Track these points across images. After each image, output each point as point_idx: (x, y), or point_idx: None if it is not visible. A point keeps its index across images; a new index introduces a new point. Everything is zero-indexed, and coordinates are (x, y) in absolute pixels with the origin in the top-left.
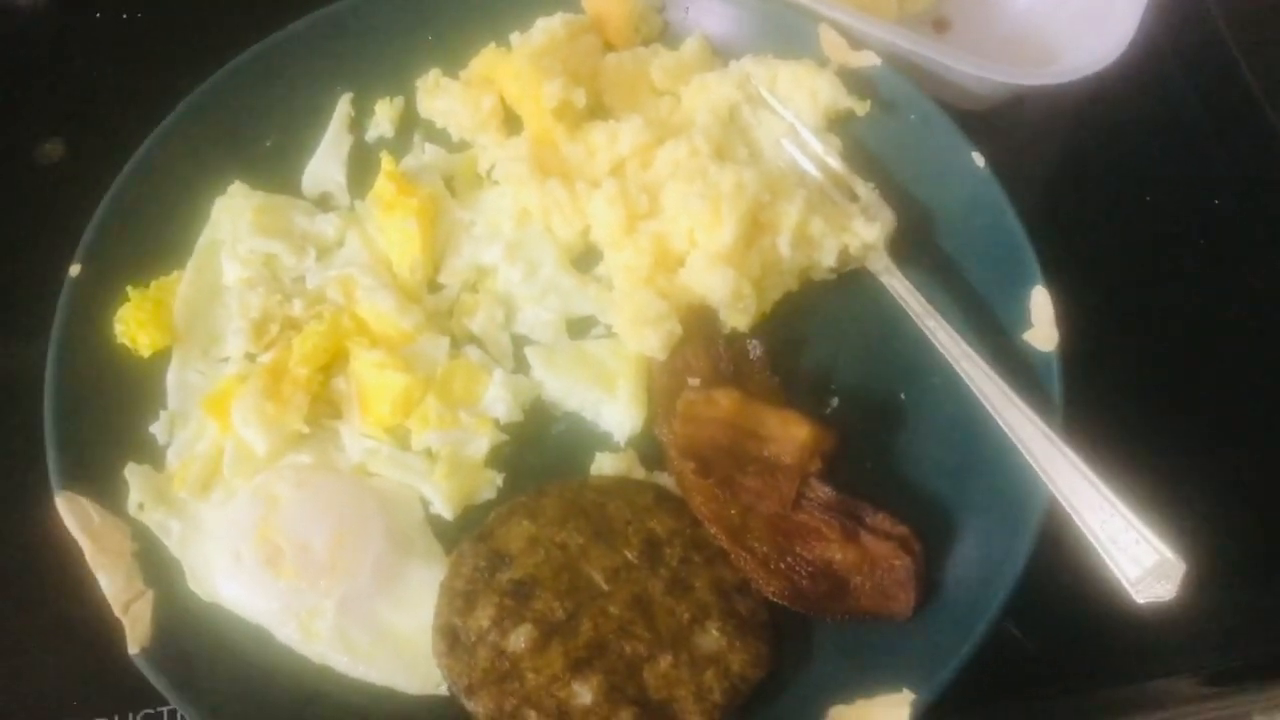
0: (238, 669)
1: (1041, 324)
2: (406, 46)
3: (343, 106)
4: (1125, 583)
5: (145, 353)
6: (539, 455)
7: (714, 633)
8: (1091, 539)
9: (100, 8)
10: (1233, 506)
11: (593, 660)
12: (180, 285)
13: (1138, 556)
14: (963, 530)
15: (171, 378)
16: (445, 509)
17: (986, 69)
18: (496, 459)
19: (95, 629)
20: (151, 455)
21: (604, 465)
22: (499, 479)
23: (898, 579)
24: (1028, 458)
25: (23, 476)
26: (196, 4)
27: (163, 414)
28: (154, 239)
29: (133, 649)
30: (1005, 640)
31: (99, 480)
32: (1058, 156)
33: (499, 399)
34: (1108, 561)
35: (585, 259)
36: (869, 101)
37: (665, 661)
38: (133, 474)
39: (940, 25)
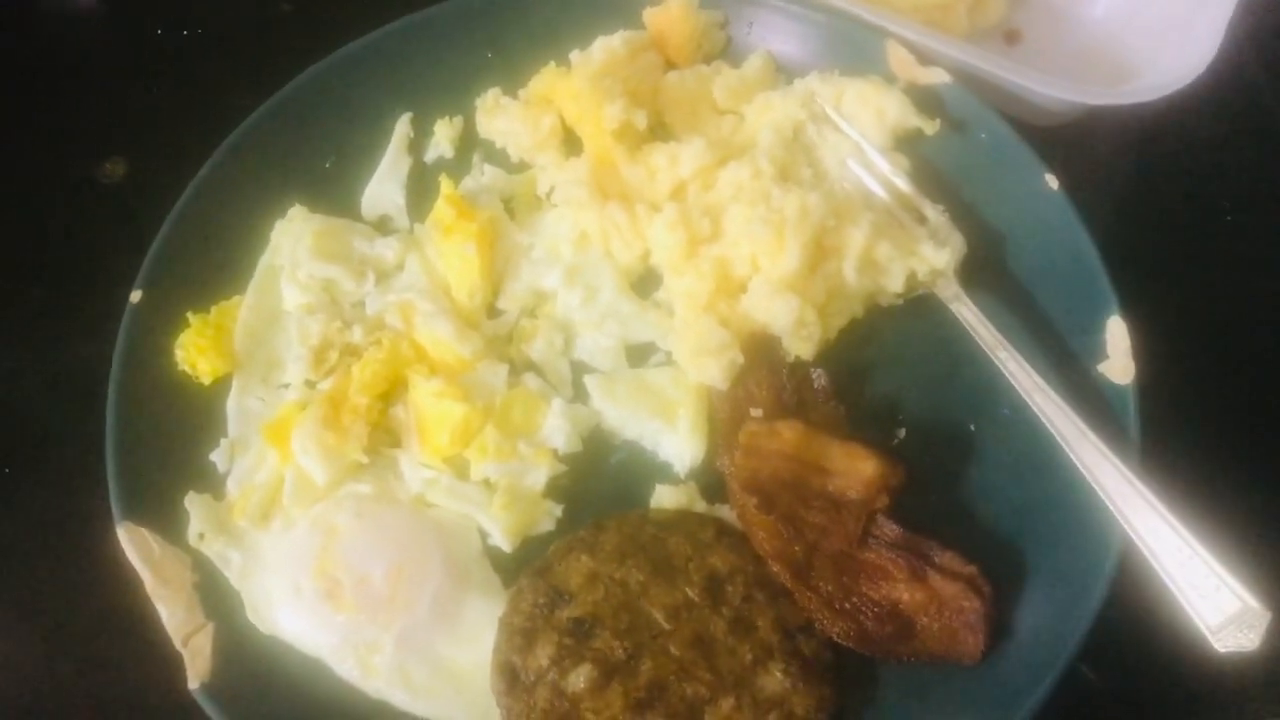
0: (297, 704)
1: (1118, 355)
2: (466, 65)
3: (402, 127)
4: (1205, 630)
5: (206, 380)
6: (598, 486)
7: (777, 674)
8: (1169, 583)
9: (162, 27)
10: None
11: (653, 702)
12: (240, 311)
13: (1219, 603)
14: (1034, 570)
15: (232, 404)
16: (504, 541)
17: (1060, 87)
18: (555, 490)
19: (155, 662)
20: (211, 484)
21: (664, 497)
22: (558, 510)
23: (966, 621)
24: (1102, 496)
25: (84, 505)
26: (256, 24)
27: (223, 441)
28: (214, 263)
29: (193, 684)
30: (1078, 682)
31: (160, 510)
32: (1135, 176)
33: (558, 429)
34: (1186, 607)
35: (645, 284)
36: (938, 120)
37: (727, 704)
38: (193, 503)
39: (1012, 37)
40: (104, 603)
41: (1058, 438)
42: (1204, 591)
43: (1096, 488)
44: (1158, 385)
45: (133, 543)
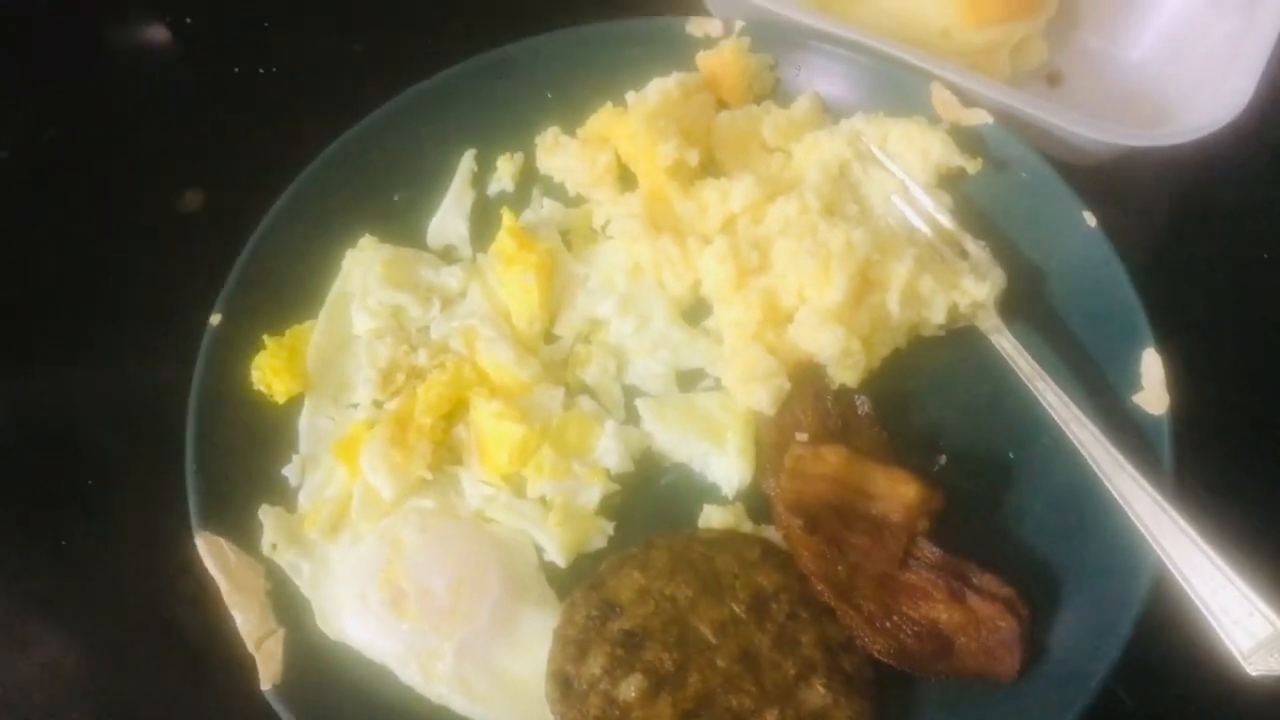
0: (362, 707)
1: (1152, 387)
2: (527, 105)
3: (466, 162)
4: (1237, 654)
5: (280, 399)
6: (648, 505)
7: (819, 689)
8: (1202, 608)
9: (239, 66)
10: None
11: (700, 712)
12: (313, 334)
13: (1251, 628)
14: (1070, 593)
15: (304, 423)
16: (559, 556)
17: (1099, 129)
18: (607, 508)
19: (229, 664)
20: (284, 497)
21: (712, 517)
22: (610, 528)
23: (1003, 640)
24: (1136, 522)
25: (164, 516)
26: (329, 63)
27: (295, 457)
28: (289, 290)
29: (264, 685)
30: (1113, 704)
31: (235, 521)
32: (1172, 214)
33: (611, 450)
34: (1219, 632)
35: (695, 313)
36: (980, 159)
37: (771, 716)
38: (266, 515)
39: (1053, 79)
40: (180, 609)
41: (1094, 466)
42: (1236, 616)
43: (1131, 514)
44: (1191, 416)
45: (210, 551)
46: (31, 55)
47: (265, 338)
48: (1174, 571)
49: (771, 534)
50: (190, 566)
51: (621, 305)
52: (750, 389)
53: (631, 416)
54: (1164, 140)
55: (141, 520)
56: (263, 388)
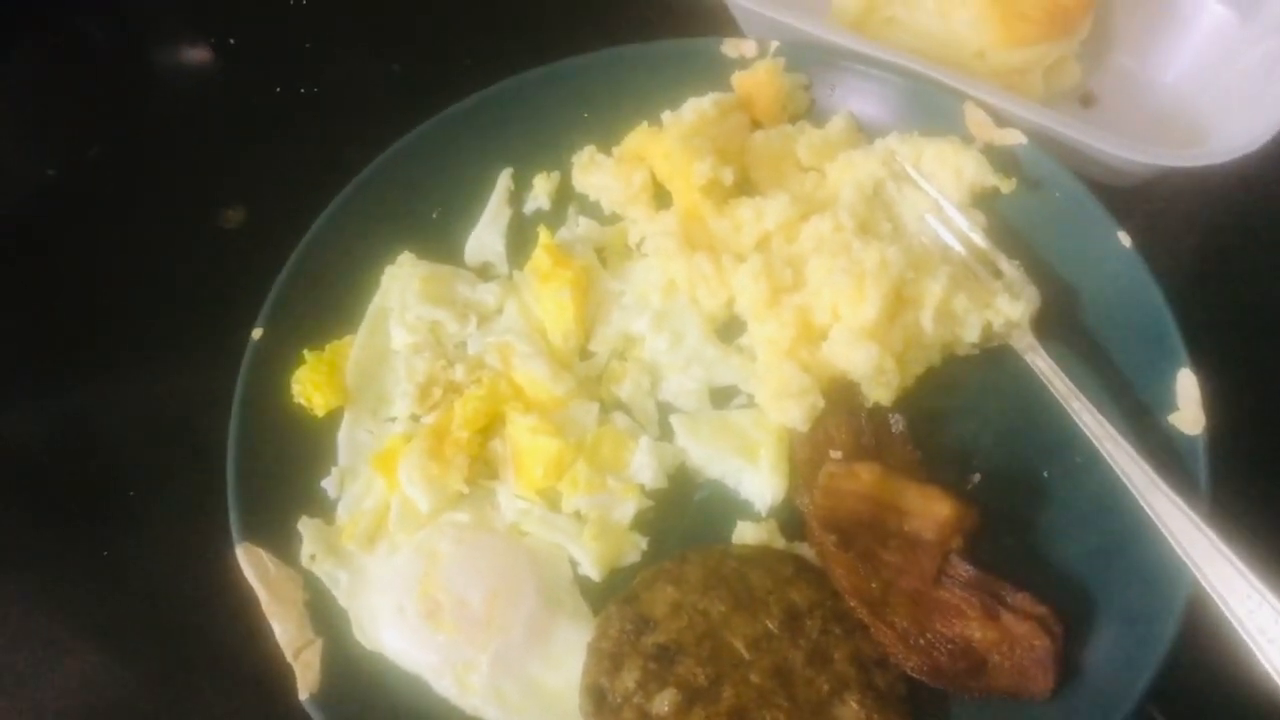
0: (398, 718)
1: (1188, 407)
2: (563, 124)
3: (503, 181)
4: (1275, 675)
5: (319, 412)
6: (682, 521)
7: (853, 705)
8: (1239, 629)
9: (279, 85)
10: None
11: None
12: (352, 349)
13: None
14: (1104, 613)
15: (343, 436)
16: (593, 570)
17: (1133, 149)
18: (641, 523)
19: (268, 674)
20: (323, 509)
21: (745, 533)
22: (643, 543)
23: (1037, 659)
24: (1172, 542)
25: (205, 527)
26: (368, 83)
27: (334, 470)
28: (329, 305)
29: (303, 694)
30: None
31: (275, 532)
32: (1206, 234)
33: (645, 465)
34: (1256, 653)
35: (729, 330)
36: (1014, 179)
37: None
38: (305, 527)
39: (1087, 100)
40: (221, 619)
41: (1129, 485)
42: (1273, 637)
43: (1166, 534)
44: (1227, 436)
45: (250, 562)
46: (78, 74)
47: (305, 352)
48: (1210, 591)
49: (805, 550)
50: (230, 577)
51: (656, 322)
52: (784, 406)
53: (665, 433)
54: (1199, 161)
55: (182, 531)
56: (303, 401)
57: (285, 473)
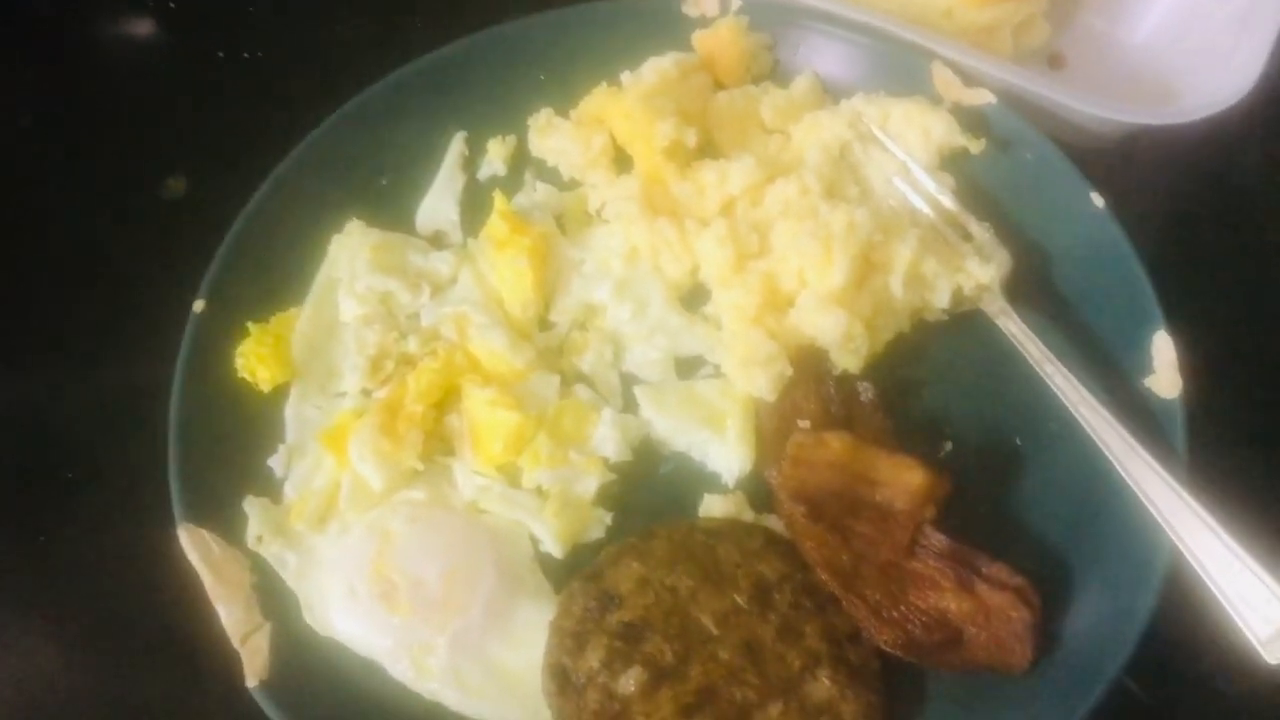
0: (352, 704)
1: (1164, 369)
2: (519, 86)
3: (456, 145)
4: (1255, 642)
5: (265, 388)
6: (647, 495)
7: (825, 681)
8: (1218, 595)
9: (223, 51)
10: None
11: (703, 706)
12: (299, 321)
13: (1268, 615)
14: (1082, 582)
15: (290, 412)
16: (555, 547)
17: (1104, 107)
18: (605, 498)
19: (214, 661)
20: (270, 489)
21: (712, 506)
22: (607, 518)
23: (1014, 631)
24: (1150, 509)
25: (146, 508)
26: (314, 48)
27: (281, 448)
28: (274, 276)
29: (250, 681)
30: (1125, 697)
31: (219, 513)
32: (1179, 195)
33: (608, 438)
34: (1235, 619)
35: (693, 298)
36: (983, 139)
37: (775, 709)
38: (251, 507)
39: (1056, 61)
40: (163, 603)
41: (1105, 451)
42: (1253, 603)
43: (1144, 500)
44: (1204, 398)
45: (193, 543)
46: (10, 38)
47: (250, 325)
48: (1189, 558)
49: (774, 523)
50: (174, 560)
51: (618, 290)
52: (750, 375)
53: (629, 404)
54: (1170, 119)
55: (123, 514)
56: (247, 376)
57: (229, 451)
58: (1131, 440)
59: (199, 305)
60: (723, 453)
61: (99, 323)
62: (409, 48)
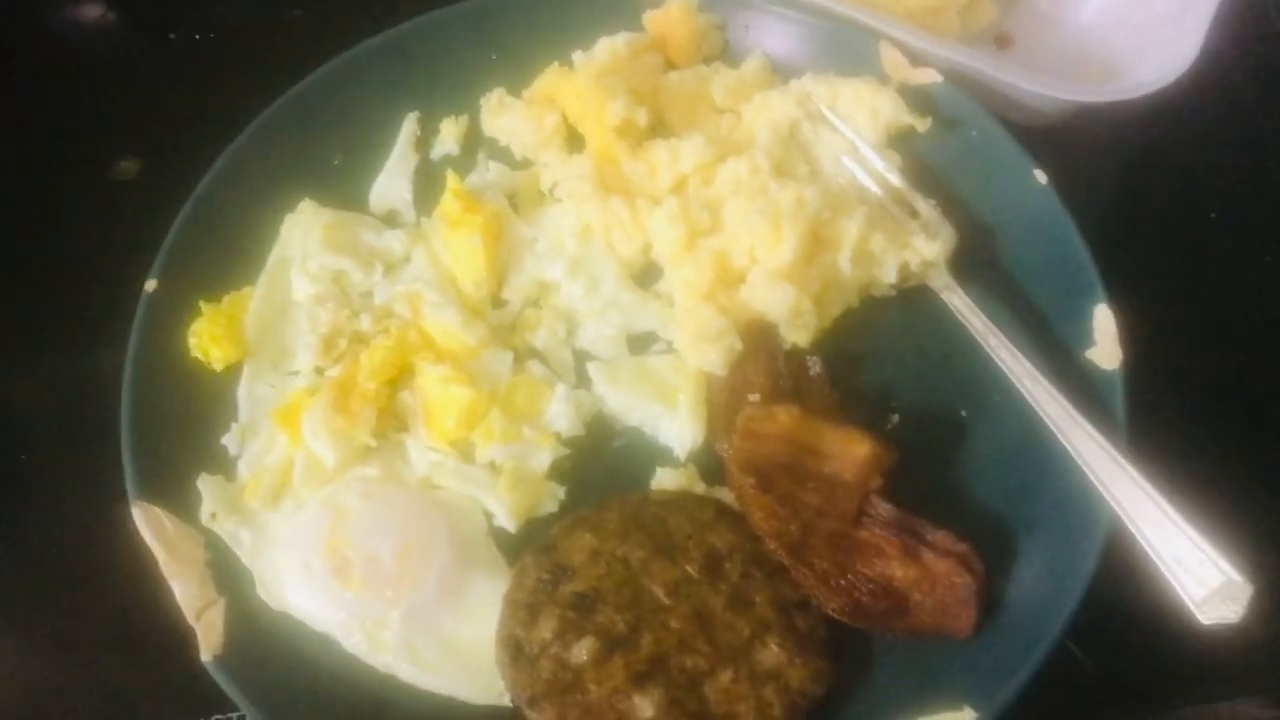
0: (306, 677)
1: (1105, 341)
2: (471, 66)
3: (409, 126)
4: (1190, 604)
5: (218, 366)
6: (600, 469)
7: (774, 648)
8: (1155, 559)
9: (174, 32)
10: None
11: (654, 674)
12: (252, 301)
13: (1203, 577)
14: (1025, 548)
15: (243, 391)
16: (508, 521)
17: (1048, 86)
18: (558, 472)
19: (169, 637)
20: (223, 466)
21: (664, 480)
22: (561, 492)
23: (959, 597)
24: (1090, 476)
25: (99, 487)
26: (268, 29)
27: (234, 426)
28: (227, 256)
29: (205, 656)
30: (1067, 660)
31: (173, 491)
32: (1122, 172)
33: (561, 413)
34: (1172, 582)
35: (646, 275)
36: (930, 118)
37: (726, 676)
38: (205, 484)
39: (1003, 42)
40: (119, 581)
41: (1047, 421)
42: (1189, 566)
43: (1085, 468)
44: (1143, 370)
45: (147, 521)
46: None
47: (202, 304)
48: (1127, 523)
49: (724, 495)
50: (128, 538)
51: (571, 268)
52: (701, 350)
53: (582, 380)
54: (1113, 96)
55: (77, 493)
56: (200, 355)
57: (183, 429)
58: (1072, 410)
59: (151, 285)
60: (674, 427)
61: (53, 305)
62: (362, 28)
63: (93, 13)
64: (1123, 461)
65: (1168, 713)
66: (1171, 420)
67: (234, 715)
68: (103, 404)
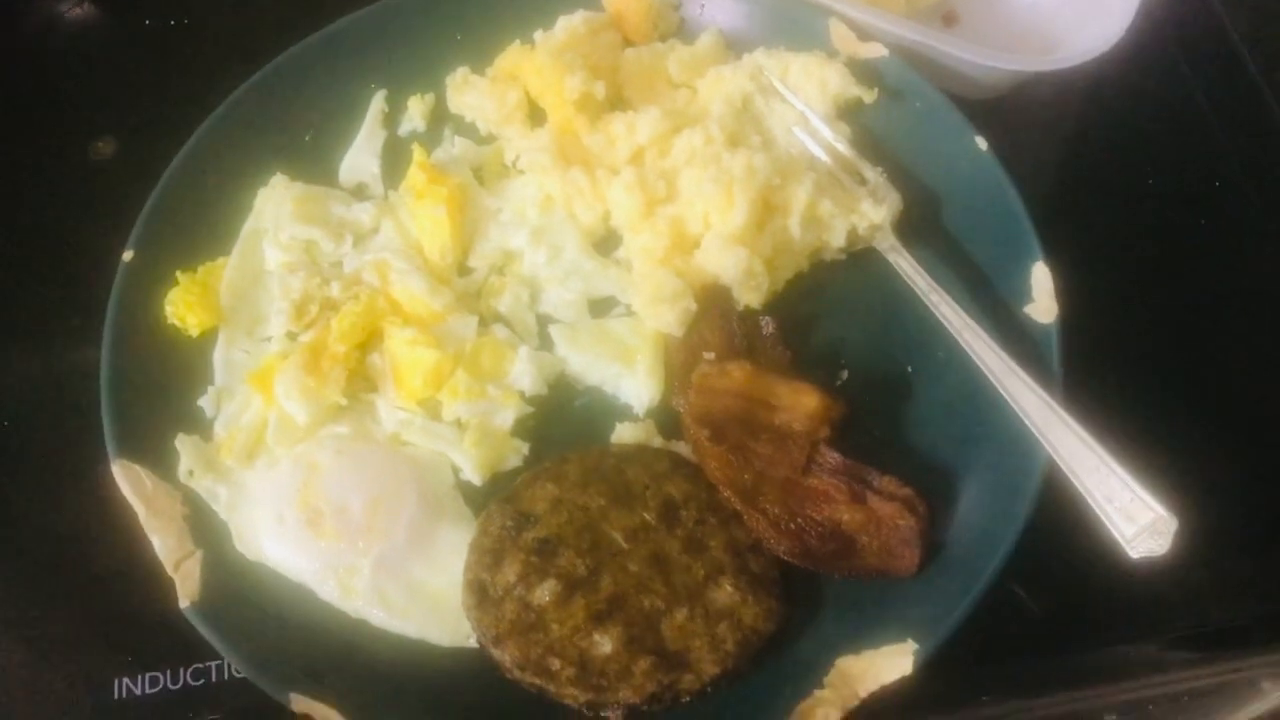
0: (281, 623)
1: (1042, 297)
2: (436, 46)
3: (377, 103)
4: (1121, 539)
5: (194, 332)
6: (562, 426)
7: (728, 588)
8: (1089, 499)
9: (149, 15)
10: (1226, 468)
11: (613, 613)
12: (226, 270)
13: (1132, 514)
14: (966, 493)
15: (218, 356)
16: (474, 475)
17: (989, 57)
18: (522, 429)
19: (148, 589)
20: (200, 427)
21: (624, 434)
22: (525, 448)
23: (903, 538)
24: (1027, 423)
25: (84, 448)
26: (239, 10)
27: (210, 389)
28: (201, 227)
29: (183, 603)
30: (1010, 602)
31: (152, 450)
32: (1062, 141)
33: (525, 373)
34: (1105, 520)
35: (606, 243)
36: (876, 90)
37: (681, 615)
38: (183, 444)
39: (949, 19)
40: (101, 535)
41: (987, 373)
42: (1119, 504)
43: (1022, 415)
44: (1079, 325)
45: (127, 478)
46: None
47: (178, 274)
48: (1062, 466)
49: (681, 448)
50: (112, 493)
51: (534, 237)
52: (659, 311)
53: (545, 343)
54: (1049, 66)
55: (61, 454)
56: (177, 322)
57: (160, 392)
58: (1011, 362)
59: (128, 255)
60: (633, 385)
61: (32, 283)
62: (331, 10)
63: (70, 15)
64: (1057, 409)
65: (1108, 650)
66: (1104, 370)
67: (212, 664)
68: (86, 371)
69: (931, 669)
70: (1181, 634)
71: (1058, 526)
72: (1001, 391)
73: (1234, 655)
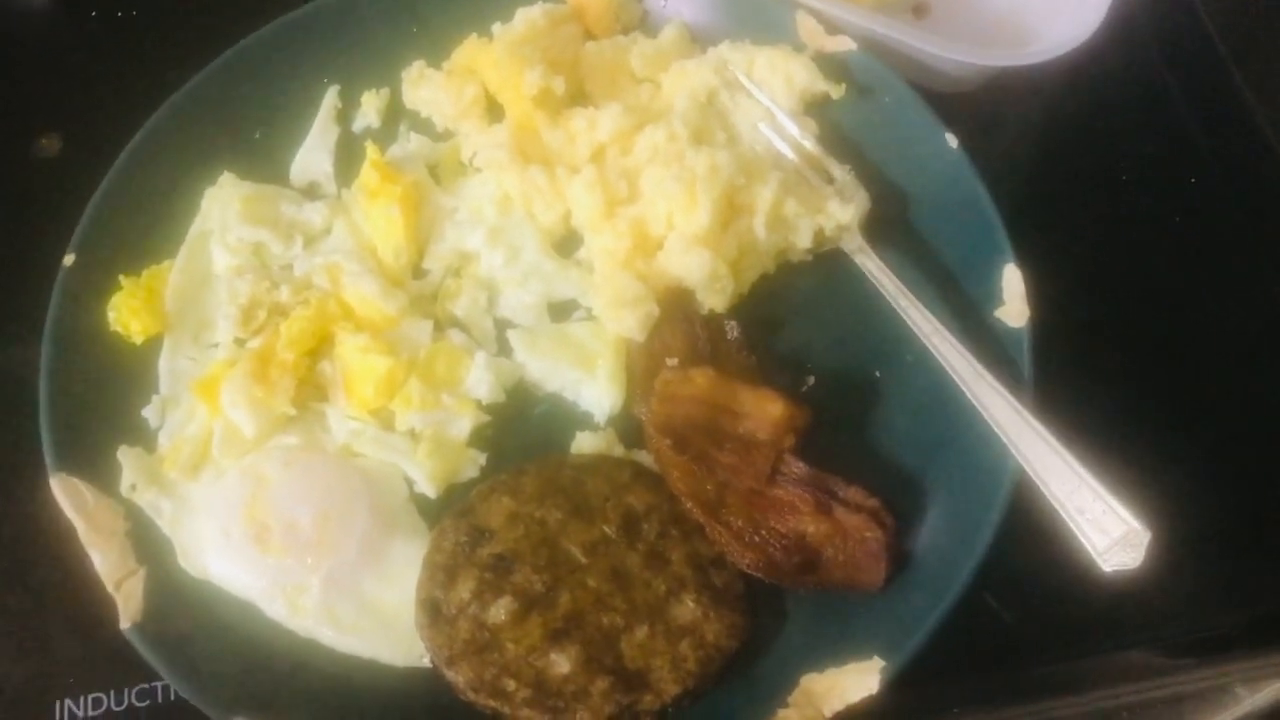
0: (227, 643)
1: (1013, 300)
2: (391, 39)
3: (330, 98)
4: (1093, 552)
5: (137, 339)
6: (521, 435)
7: (690, 604)
8: (1060, 510)
9: (96, 8)
10: (1199, 478)
11: (571, 631)
12: (171, 274)
13: (1105, 526)
14: (934, 503)
15: (163, 363)
16: (429, 487)
17: (961, 52)
18: (479, 439)
19: (90, 607)
20: (144, 438)
21: (584, 444)
22: (481, 458)
23: (869, 551)
24: (997, 431)
25: (20, 459)
26: (188, 4)
27: (154, 398)
28: (146, 229)
29: (124, 624)
30: (983, 612)
31: (93, 462)
32: (1035, 138)
33: (481, 381)
34: (1076, 532)
35: (566, 244)
36: (844, 85)
37: (642, 632)
38: (125, 456)
39: (920, 11)
40: (41, 549)
41: (956, 379)
42: (1091, 516)
43: (992, 424)
44: (1051, 329)
45: (66, 493)
46: None
47: (121, 278)
48: (1033, 476)
49: (644, 457)
50: (50, 509)
51: (491, 237)
52: (620, 315)
53: (503, 348)
54: (1020, 60)
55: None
56: (119, 328)
57: (102, 402)
58: (980, 368)
59: (69, 259)
60: (594, 392)
61: None
62: (287, 5)
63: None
64: (1028, 416)
65: (1080, 661)
66: (1076, 377)
67: (158, 685)
68: (24, 379)
69: (900, 681)
70: (1155, 642)
71: (1030, 533)
72: (971, 398)
73: (1208, 662)
